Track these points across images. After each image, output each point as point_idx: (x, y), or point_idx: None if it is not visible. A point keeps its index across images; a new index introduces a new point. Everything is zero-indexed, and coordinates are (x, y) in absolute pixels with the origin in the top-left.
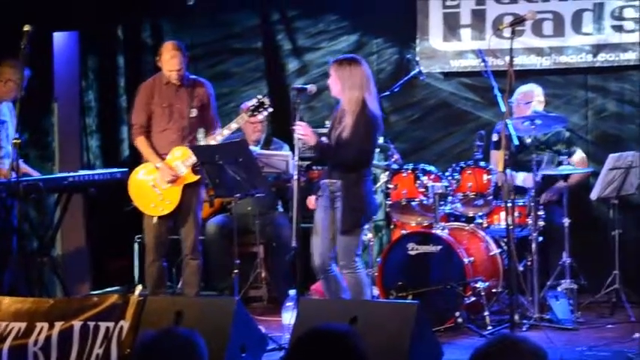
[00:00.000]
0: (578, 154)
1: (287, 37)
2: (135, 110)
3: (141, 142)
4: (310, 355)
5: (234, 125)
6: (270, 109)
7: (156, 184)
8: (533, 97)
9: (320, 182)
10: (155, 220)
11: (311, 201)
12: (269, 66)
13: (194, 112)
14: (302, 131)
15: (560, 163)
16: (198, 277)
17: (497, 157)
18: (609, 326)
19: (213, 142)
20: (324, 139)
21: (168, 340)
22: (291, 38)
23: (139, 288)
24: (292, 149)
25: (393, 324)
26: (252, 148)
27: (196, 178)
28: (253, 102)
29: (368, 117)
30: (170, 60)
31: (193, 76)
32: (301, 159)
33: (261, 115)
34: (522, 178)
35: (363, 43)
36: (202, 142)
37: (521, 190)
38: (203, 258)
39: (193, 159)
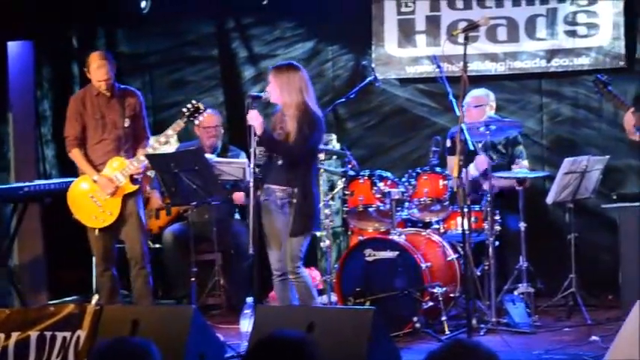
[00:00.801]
0: (525, 162)
1: (243, 45)
2: (68, 122)
3: (76, 155)
4: None
5: (170, 132)
6: (206, 114)
7: (95, 196)
8: (483, 101)
9: (265, 186)
10: (97, 232)
11: (239, 197)
12: (225, 74)
13: (127, 122)
14: (253, 118)
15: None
16: (150, 287)
17: (453, 163)
18: (566, 329)
19: (151, 152)
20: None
21: (122, 350)
22: (247, 46)
23: (95, 297)
24: (249, 157)
25: (350, 330)
26: (208, 156)
27: (135, 187)
28: (188, 107)
29: (310, 118)
30: (97, 70)
31: (123, 86)
32: (258, 166)
33: (197, 120)
34: (473, 165)
35: (319, 50)
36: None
37: (477, 197)
38: (160, 266)
39: (131, 168)
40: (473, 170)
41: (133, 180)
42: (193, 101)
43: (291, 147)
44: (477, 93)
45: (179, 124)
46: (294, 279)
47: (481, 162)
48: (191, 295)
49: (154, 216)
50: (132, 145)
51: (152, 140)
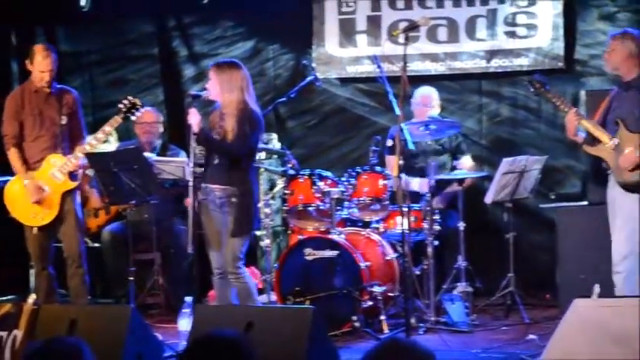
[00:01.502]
0: (467, 157)
1: (183, 44)
2: (5, 121)
3: (13, 155)
4: None
5: (107, 128)
6: (144, 110)
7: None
8: (430, 100)
9: (203, 185)
10: (35, 230)
11: (188, 202)
12: (165, 72)
13: (64, 120)
14: (191, 116)
15: (454, 168)
16: (86, 286)
17: (392, 162)
18: (504, 328)
19: (88, 149)
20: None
21: (54, 350)
22: (188, 44)
23: (32, 297)
24: (189, 156)
25: (289, 329)
26: (147, 154)
27: (74, 184)
28: (125, 103)
29: (250, 117)
30: (43, 60)
31: (60, 85)
32: (198, 165)
33: (134, 116)
34: (418, 184)
35: (260, 49)
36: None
37: (416, 195)
38: (99, 266)
39: (69, 165)
40: (416, 186)
41: (71, 177)
42: (130, 97)
43: (228, 146)
44: (425, 92)
45: (116, 119)
46: (235, 279)
47: (423, 185)
48: (129, 294)
49: (93, 215)
50: (68, 143)
51: (89, 137)
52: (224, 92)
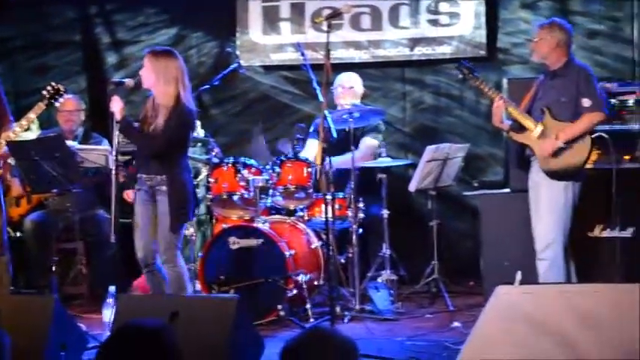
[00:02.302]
0: (368, 140)
1: (106, 31)
2: None
3: None
4: (121, 351)
5: (32, 115)
6: (66, 96)
7: None
8: (353, 81)
9: (137, 175)
10: None
11: (129, 195)
12: (87, 60)
13: None
14: (114, 104)
15: (378, 155)
16: (9, 275)
17: (313, 147)
18: (428, 316)
19: (13, 136)
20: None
21: None
22: (110, 31)
23: None
24: (111, 144)
25: (213, 318)
26: (70, 142)
27: None
28: (48, 89)
29: (182, 112)
30: None
31: None
32: (121, 153)
33: (58, 102)
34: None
35: (183, 36)
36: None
37: (342, 181)
38: (21, 255)
39: None
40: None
41: None
42: (53, 83)
43: (148, 140)
44: (345, 76)
45: (40, 106)
46: (171, 267)
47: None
48: (52, 284)
49: (15, 204)
50: None
51: (15, 125)
52: (159, 82)
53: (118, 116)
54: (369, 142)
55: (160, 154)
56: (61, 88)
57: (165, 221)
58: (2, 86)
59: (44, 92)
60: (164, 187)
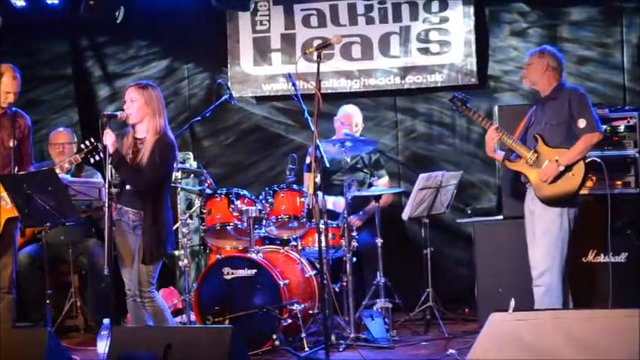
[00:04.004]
0: (383, 179)
1: (97, 64)
2: None
3: None
4: None
5: (66, 165)
6: (56, 131)
7: None
8: (355, 119)
9: (118, 206)
10: None
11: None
12: (79, 93)
13: (15, 143)
14: (107, 137)
15: (370, 185)
16: (12, 313)
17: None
18: (424, 343)
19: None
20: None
21: None
22: (101, 64)
23: None
24: (104, 177)
25: (208, 349)
26: (62, 175)
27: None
28: (86, 144)
29: (165, 144)
30: (12, 82)
31: (14, 108)
32: (113, 186)
33: (93, 159)
34: (332, 202)
35: (175, 68)
36: None
37: (335, 212)
38: (16, 289)
39: None
40: (330, 205)
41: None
42: (92, 139)
43: (137, 177)
44: (348, 110)
45: (76, 158)
46: (147, 302)
47: (338, 204)
48: (47, 317)
49: None
50: (18, 168)
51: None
52: (147, 115)
53: (111, 149)
54: (386, 180)
55: (148, 189)
56: (100, 146)
57: (142, 259)
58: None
59: (82, 146)
60: (144, 224)
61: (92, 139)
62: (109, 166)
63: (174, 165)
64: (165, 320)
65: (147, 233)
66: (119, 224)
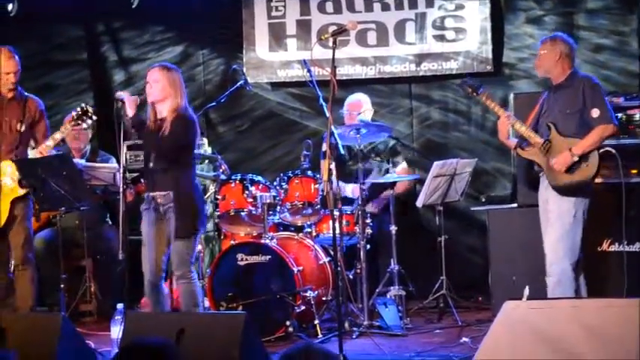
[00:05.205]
0: (402, 166)
1: (112, 49)
2: None
3: None
4: None
5: (58, 135)
6: (95, 117)
7: None
8: (361, 106)
9: (145, 195)
10: None
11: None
12: (95, 78)
13: (24, 127)
14: (128, 100)
15: (387, 172)
16: (33, 288)
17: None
18: (437, 331)
19: (38, 155)
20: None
21: None
22: (117, 49)
23: None
24: (119, 162)
25: (221, 335)
26: (77, 160)
27: (24, 191)
28: (77, 110)
29: (188, 119)
30: (8, 62)
31: (26, 93)
32: (128, 171)
33: (85, 124)
34: (351, 189)
35: (190, 53)
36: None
37: (350, 199)
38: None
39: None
40: (349, 192)
41: (22, 184)
42: (82, 104)
43: (161, 140)
44: (354, 99)
45: (67, 127)
46: (185, 283)
47: (355, 191)
48: (60, 302)
49: None
50: (23, 150)
51: (43, 145)
52: (170, 96)
53: (131, 111)
54: (404, 167)
55: (168, 154)
56: (90, 109)
57: (176, 233)
58: (45, 110)
59: (73, 113)
60: (173, 204)
61: (83, 105)
62: (124, 150)
63: (196, 142)
64: (197, 303)
65: (180, 209)
66: (147, 214)
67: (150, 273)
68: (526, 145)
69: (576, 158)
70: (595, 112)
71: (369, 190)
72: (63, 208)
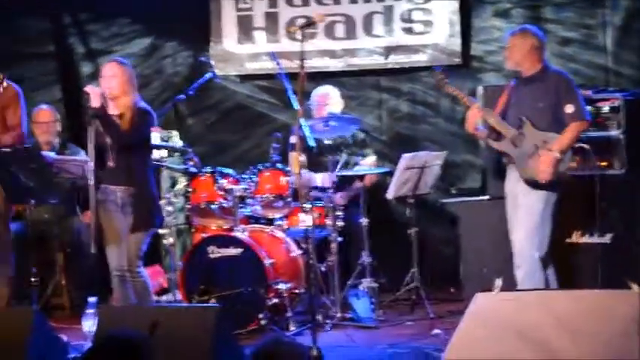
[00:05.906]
0: (370, 158)
1: (80, 41)
2: None
3: None
4: None
5: None
6: (39, 109)
7: None
8: (329, 99)
9: (102, 186)
10: None
11: (87, 216)
12: (62, 70)
13: None
14: (92, 91)
15: (355, 164)
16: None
17: (293, 159)
18: (409, 323)
19: None
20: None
21: None
22: (84, 42)
23: None
24: (88, 154)
25: (194, 328)
26: (47, 153)
27: None
28: None
29: (144, 111)
30: None
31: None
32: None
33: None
34: (321, 179)
35: (157, 45)
36: None
37: (320, 191)
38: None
39: None
40: (318, 181)
41: None
42: None
43: (122, 131)
44: (322, 91)
45: None
46: (132, 278)
47: (325, 180)
48: (32, 296)
49: None
50: None
51: None
52: (126, 92)
53: (96, 102)
54: (371, 162)
55: (127, 145)
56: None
57: (131, 227)
58: (23, 96)
59: None
60: (130, 199)
61: None
62: (92, 144)
63: (151, 130)
64: (149, 296)
65: (138, 204)
66: (105, 205)
67: (114, 264)
68: (496, 135)
69: (559, 156)
70: (569, 108)
71: (338, 182)
72: (32, 202)
